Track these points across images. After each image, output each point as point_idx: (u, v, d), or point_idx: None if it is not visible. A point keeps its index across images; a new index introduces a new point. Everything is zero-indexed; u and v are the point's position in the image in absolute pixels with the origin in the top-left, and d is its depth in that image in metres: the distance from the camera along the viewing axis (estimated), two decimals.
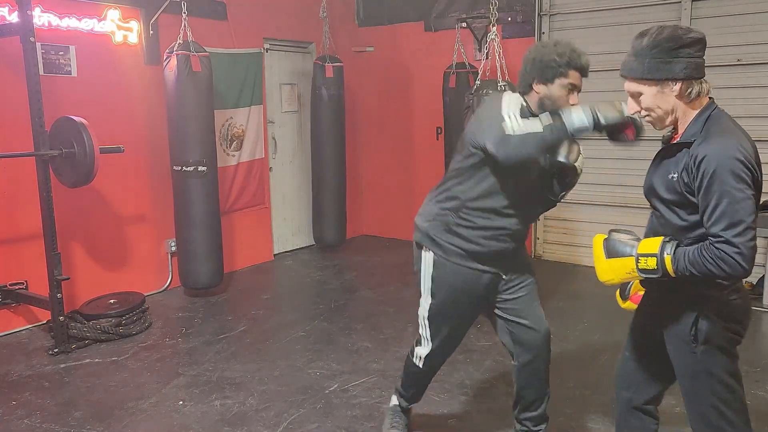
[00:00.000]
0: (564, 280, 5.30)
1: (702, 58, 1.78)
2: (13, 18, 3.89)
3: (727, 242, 1.62)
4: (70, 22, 4.29)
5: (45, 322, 4.19)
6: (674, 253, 1.72)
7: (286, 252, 6.28)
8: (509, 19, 5.81)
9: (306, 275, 5.61)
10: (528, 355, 2.48)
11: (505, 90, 3.71)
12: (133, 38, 4.70)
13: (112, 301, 4.38)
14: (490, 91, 4.02)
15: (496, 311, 2.50)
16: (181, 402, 3.22)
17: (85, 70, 4.44)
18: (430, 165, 6.36)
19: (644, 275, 1.78)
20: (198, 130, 4.54)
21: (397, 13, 6.52)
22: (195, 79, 4.45)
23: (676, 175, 1.77)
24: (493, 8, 4.23)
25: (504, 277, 2.44)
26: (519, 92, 2.32)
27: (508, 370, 3.52)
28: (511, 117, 2.15)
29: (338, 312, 4.60)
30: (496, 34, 4.23)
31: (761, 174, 1.73)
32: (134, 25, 4.69)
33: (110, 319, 4.12)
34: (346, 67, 5.89)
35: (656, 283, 1.84)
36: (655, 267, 1.74)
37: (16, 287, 4.11)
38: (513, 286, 2.47)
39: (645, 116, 1.85)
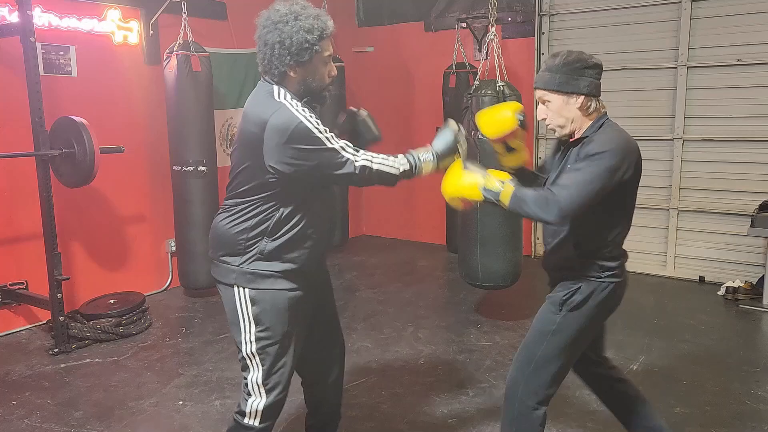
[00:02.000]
0: None
1: (600, 81, 2.13)
2: (13, 18, 3.89)
3: (553, 194, 1.96)
4: (70, 22, 4.29)
5: (45, 322, 4.19)
6: (516, 187, 2.03)
7: None
8: (509, 19, 5.82)
9: None
10: None
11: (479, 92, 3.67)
12: (133, 38, 4.70)
13: (112, 301, 4.38)
14: (490, 91, 4.01)
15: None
16: (181, 402, 3.22)
17: (85, 70, 4.44)
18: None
19: (487, 195, 2.04)
20: (198, 130, 4.54)
21: (397, 13, 6.52)
22: (195, 79, 4.45)
23: (571, 167, 2.06)
24: (493, 8, 4.23)
25: None
26: (271, 81, 2.04)
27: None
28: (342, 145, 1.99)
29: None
30: (495, 34, 4.23)
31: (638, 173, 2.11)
32: (134, 25, 4.69)
33: (110, 319, 4.12)
34: (346, 67, 5.89)
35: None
36: (496, 191, 2.02)
37: (16, 287, 4.11)
38: None
39: (548, 124, 2.15)
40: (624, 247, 2.27)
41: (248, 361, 2.10)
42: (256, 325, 2.06)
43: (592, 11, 5.43)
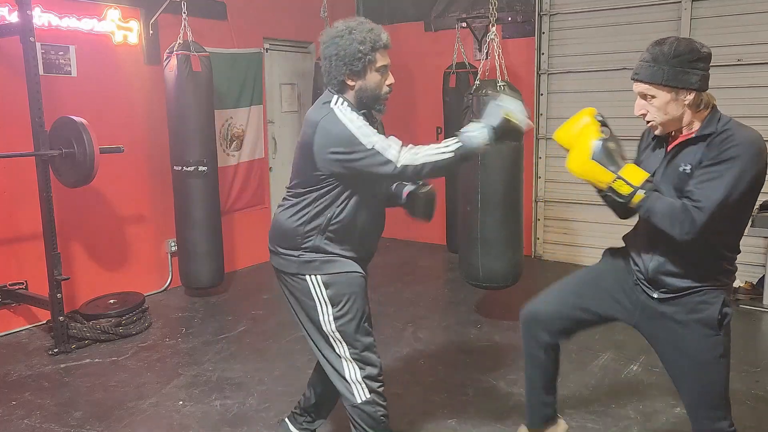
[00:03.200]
0: None
1: (709, 73, 1.92)
2: (13, 18, 3.89)
3: (700, 210, 1.75)
4: (70, 22, 4.29)
5: (45, 322, 4.19)
6: (649, 192, 1.85)
7: None
8: (509, 19, 5.82)
9: None
10: None
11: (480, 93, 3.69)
12: (133, 38, 4.70)
13: (112, 301, 4.38)
14: (490, 91, 4.01)
15: None
16: (181, 402, 3.22)
17: (85, 70, 4.44)
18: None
19: (611, 194, 1.90)
20: (198, 130, 4.54)
21: (397, 13, 6.52)
22: (195, 79, 4.45)
23: (689, 168, 1.85)
24: (493, 8, 4.23)
25: None
26: (332, 91, 2.19)
27: (509, 370, 3.52)
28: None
29: None
30: (495, 34, 4.22)
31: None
32: (134, 25, 4.69)
33: (110, 319, 4.12)
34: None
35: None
36: (626, 195, 1.86)
37: (16, 287, 4.11)
38: None
39: (649, 121, 1.97)
40: (622, 243, 2.22)
41: (332, 340, 2.26)
42: (332, 306, 2.23)
43: (592, 11, 5.43)
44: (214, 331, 4.19)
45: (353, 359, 2.27)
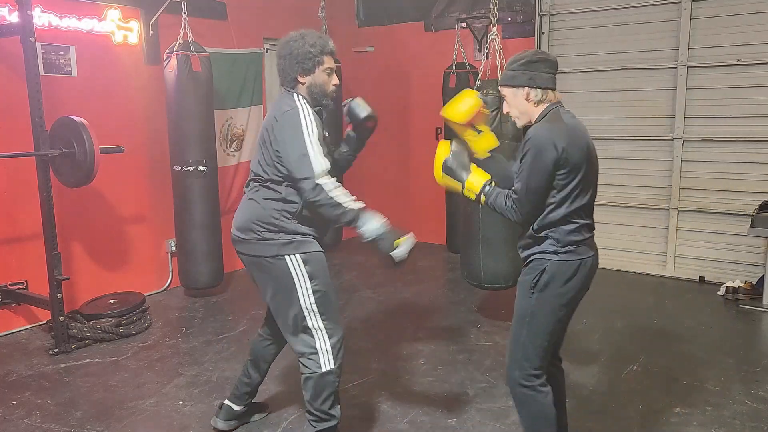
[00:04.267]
0: None
1: (548, 73, 2.25)
2: (13, 18, 3.89)
3: (517, 199, 2.21)
4: (70, 22, 4.29)
5: (45, 322, 4.19)
6: (488, 194, 2.30)
7: None
8: (509, 19, 5.82)
9: None
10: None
11: None
12: (133, 38, 4.70)
13: (112, 301, 4.39)
14: (491, 91, 4.01)
15: None
16: (181, 402, 3.22)
17: (85, 70, 4.44)
18: (429, 165, 6.33)
19: (465, 196, 2.37)
20: (198, 130, 4.54)
21: (397, 13, 6.52)
22: (195, 79, 4.45)
23: (521, 162, 2.24)
24: (493, 8, 4.23)
25: None
26: (287, 89, 2.51)
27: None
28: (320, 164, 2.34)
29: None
30: (496, 34, 4.22)
31: (585, 160, 2.20)
32: (134, 25, 4.69)
33: (110, 319, 4.12)
34: (346, 67, 5.89)
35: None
36: (474, 199, 2.34)
37: (16, 287, 4.11)
38: None
39: (512, 117, 2.34)
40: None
41: (306, 315, 2.48)
42: (311, 280, 2.47)
43: (592, 11, 5.43)
44: (214, 331, 4.20)
45: (325, 328, 2.50)
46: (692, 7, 4.97)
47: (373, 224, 2.38)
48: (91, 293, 4.50)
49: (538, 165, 2.14)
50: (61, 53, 4.31)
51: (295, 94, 2.48)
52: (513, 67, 2.26)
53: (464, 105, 2.39)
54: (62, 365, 3.68)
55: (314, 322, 2.49)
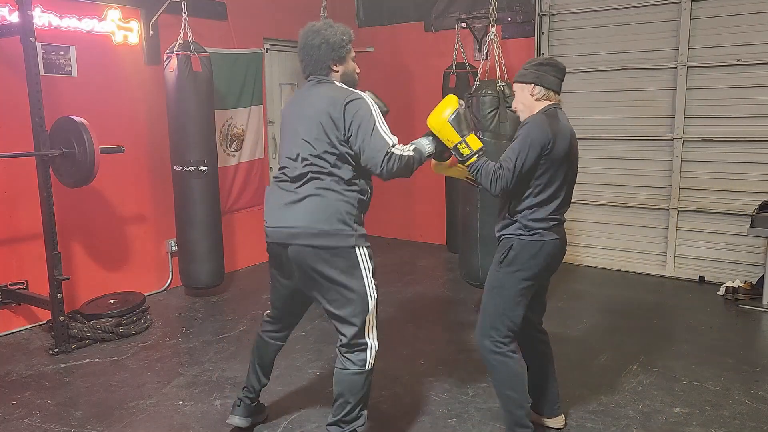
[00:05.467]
0: (564, 280, 5.30)
1: (555, 77, 2.55)
2: (14, 18, 3.89)
3: (501, 172, 2.41)
4: (70, 22, 4.29)
5: (45, 322, 4.19)
6: (480, 156, 2.48)
7: None
8: (509, 19, 5.82)
9: None
10: None
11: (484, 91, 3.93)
12: (133, 38, 4.70)
13: (112, 301, 4.39)
14: (490, 91, 4.01)
15: None
16: (181, 402, 3.22)
17: (85, 70, 4.45)
18: (429, 165, 6.34)
19: (452, 150, 2.51)
20: (198, 131, 4.54)
21: (397, 13, 6.52)
22: (195, 79, 4.45)
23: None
24: (493, 8, 4.23)
25: None
26: (321, 77, 2.52)
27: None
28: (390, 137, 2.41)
29: None
30: (495, 35, 4.22)
31: (565, 159, 2.46)
32: (134, 25, 4.69)
33: (110, 319, 4.13)
34: None
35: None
36: (465, 155, 2.47)
37: (17, 287, 4.11)
38: None
39: (518, 111, 2.60)
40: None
41: (371, 312, 2.50)
42: (373, 275, 2.52)
43: (592, 11, 5.43)
44: (214, 331, 4.20)
45: (376, 327, 2.56)
46: (692, 7, 4.97)
47: (425, 147, 2.53)
48: (91, 293, 4.50)
49: (529, 144, 2.38)
50: (61, 53, 4.31)
51: (336, 82, 2.51)
52: (526, 67, 2.55)
53: (447, 112, 2.49)
54: (62, 365, 3.68)
55: (372, 319, 2.52)
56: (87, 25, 4.39)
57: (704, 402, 3.15)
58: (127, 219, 4.84)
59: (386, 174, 2.39)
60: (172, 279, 5.14)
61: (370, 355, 2.53)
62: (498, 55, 4.20)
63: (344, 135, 2.39)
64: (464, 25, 5.85)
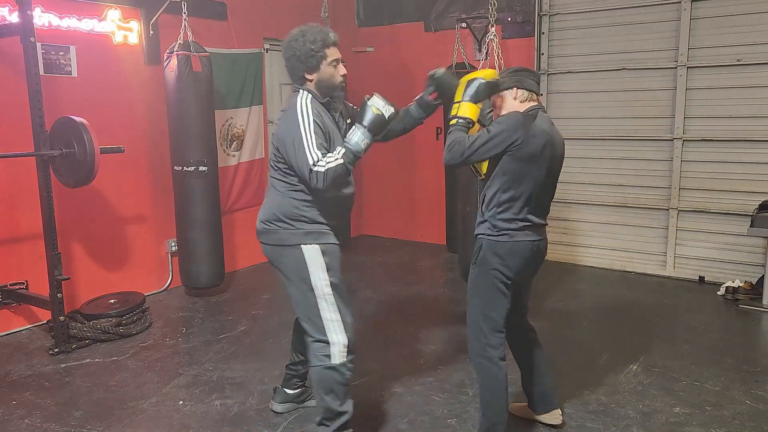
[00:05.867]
0: (564, 280, 5.30)
1: (532, 80, 2.61)
2: (14, 18, 3.89)
3: (469, 146, 2.46)
4: (70, 22, 4.29)
5: (45, 322, 4.19)
6: (458, 124, 2.55)
7: None
8: (509, 19, 5.82)
9: None
10: None
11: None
12: (133, 38, 4.70)
13: (112, 301, 4.39)
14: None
15: None
16: (181, 402, 3.22)
17: (85, 70, 4.45)
18: (429, 165, 6.36)
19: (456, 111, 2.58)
20: (198, 131, 4.54)
21: (397, 13, 6.52)
22: (195, 80, 4.45)
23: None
24: (493, 8, 4.23)
25: None
26: (296, 87, 2.61)
27: (508, 370, 3.52)
28: (314, 148, 2.41)
29: None
30: (495, 35, 4.23)
31: (538, 157, 2.49)
32: (134, 25, 4.69)
33: (110, 318, 4.12)
34: (346, 67, 5.87)
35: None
36: (452, 115, 2.58)
37: (17, 287, 4.11)
38: None
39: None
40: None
41: (323, 305, 2.54)
42: (328, 271, 2.55)
43: (592, 11, 5.43)
44: (214, 331, 4.20)
45: (342, 321, 2.56)
46: (692, 7, 4.97)
47: (354, 137, 2.50)
48: (91, 293, 4.50)
49: (499, 133, 2.43)
50: (61, 53, 4.31)
51: (301, 91, 2.55)
52: (502, 76, 2.62)
53: (477, 77, 2.56)
54: (62, 365, 3.68)
55: (329, 313, 2.54)
56: (87, 25, 4.39)
57: (704, 402, 3.15)
58: (127, 219, 4.84)
59: (320, 190, 2.43)
60: (172, 279, 5.14)
61: (333, 351, 2.54)
62: (498, 55, 4.21)
63: (275, 147, 2.54)
64: (464, 25, 5.85)
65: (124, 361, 3.73)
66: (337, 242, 2.63)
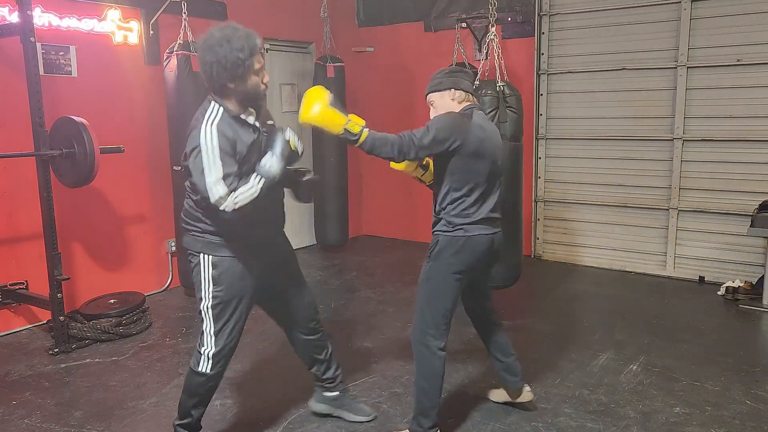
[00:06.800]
0: (564, 280, 5.30)
1: (468, 81, 2.73)
2: (14, 18, 3.89)
3: (410, 137, 2.58)
4: (70, 22, 4.29)
5: (45, 322, 4.19)
6: (371, 130, 2.56)
7: None
8: (509, 19, 5.81)
9: (306, 275, 5.52)
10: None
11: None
12: (133, 38, 4.70)
13: (112, 301, 4.39)
14: (490, 91, 4.01)
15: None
16: None
17: (85, 70, 4.45)
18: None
19: (345, 134, 2.51)
20: None
21: (397, 13, 6.52)
22: (195, 79, 4.44)
23: None
24: (493, 8, 4.23)
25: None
26: (212, 96, 2.43)
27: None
28: (217, 185, 2.28)
29: (338, 312, 4.60)
30: (495, 35, 4.22)
31: (480, 153, 2.59)
32: (134, 25, 4.69)
33: (110, 318, 4.12)
34: (346, 67, 5.89)
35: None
36: (357, 132, 2.51)
37: (17, 287, 4.11)
38: None
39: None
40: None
41: (204, 315, 2.52)
42: (214, 285, 2.49)
43: (592, 11, 5.43)
44: None
45: (214, 335, 2.54)
46: (692, 7, 4.97)
47: (272, 166, 2.40)
48: (91, 293, 4.50)
49: (434, 128, 2.56)
50: (61, 53, 4.31)
51: (213, 104, 2.39)
52: (438, 77, 2.71)
53: (323, 100, 2.50)
54: (62, 365, 3.68)
55: (207, 325, 2.52)
56: (87, 25, 4.39)
57: (704, 402, 3.15)
58: (127, 219, 4.84)
59: (232, 221, 2.35)
60: (172, 279, 5.14)
61: (200, 359, 2.54)
62: (498, 55, 4.20)
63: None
64: (464, 25, 5.85)
65: (124, 361, 3.73)
66: (234, 255, 2.50)
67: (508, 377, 3.02)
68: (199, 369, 2.54)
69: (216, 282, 2.48)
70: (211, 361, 2.53)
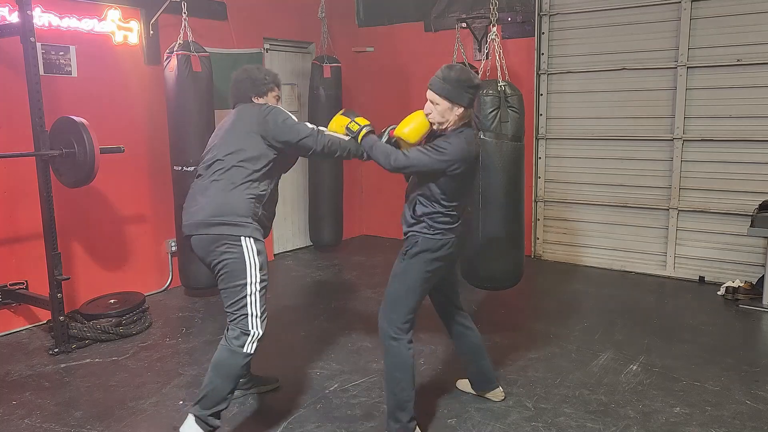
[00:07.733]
0: (564, 280, 5.30)
1: (474, 97, 2.72)
2: (14, 18, 3.89)
3: (397, 153, 2.68)
4: (70, 22, 4.29)
5: (45, 322, 4.19)
6: (369, 133, 2.81)
7: (286, 252, 6.28)
8: (509, 19, 5.82)
9: (306, 275, 5.61)
10: None
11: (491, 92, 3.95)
12: (133, 38, 4.70)
13: (112, 301, 4.39)
14: (491, 91, 4.01)
15: None
16: (181, 402, 3.22)
17: (85, 70, 4.45)
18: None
19: (349, 133, 2.82)
20: (198, 130, 4.53)
21: (397, 13, 6.52)
22: (195, 79, 4.45)
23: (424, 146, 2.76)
24: (493, 8, 4.23)
25: None
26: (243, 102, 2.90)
27: (508, 370, 3.53)
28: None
29: (338, 312, 4.60)
30: (496, 35, 4.22)
31: (468, 171, 2.69)
32: (134, 25, 4.69)
33: (110, 319, 4.12)
34: (346, 67, 5.89)
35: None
36: (356, 130, 2.79)
37: (17, 287, 4.11)
38: None
39: (431, 119, 2.72)
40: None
41: (248, 298, 2.70)
42: (260, 268, 2.72)
43: (592, 11, 5.44)
44: (214, 331, 4.19)
45: (261, 316, 2.76)
46: (692, 7, 4.97)
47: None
48: (91, 293, 4.50)
49: (439, 161, 2.59)
50: (61, 53, 4.31)
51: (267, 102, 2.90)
52: (463, 87, 2.64)
53: (415, 124, 2.73)
54: (62, 365, 3.68)
55: (253, 308, 2.71)
56: (87, 25, 4.39)
57: (704, 402, 3.15)
58: (127, 219, 4.84)
59: (318, 156, 2.87)
60: (172, 279, 5.14)
61: (246, 341, 2.72)
62: (499, 55, 4.20)
63: (272, 135, 2.81)
64: (464, 25, 5.85)
65: (124, 361, 3.73)
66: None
67: (479, 379, 3.20)
68: (245, 350, 2.68)
69: (261, 266, 2.72)
70: (256, 343, 2.72)
